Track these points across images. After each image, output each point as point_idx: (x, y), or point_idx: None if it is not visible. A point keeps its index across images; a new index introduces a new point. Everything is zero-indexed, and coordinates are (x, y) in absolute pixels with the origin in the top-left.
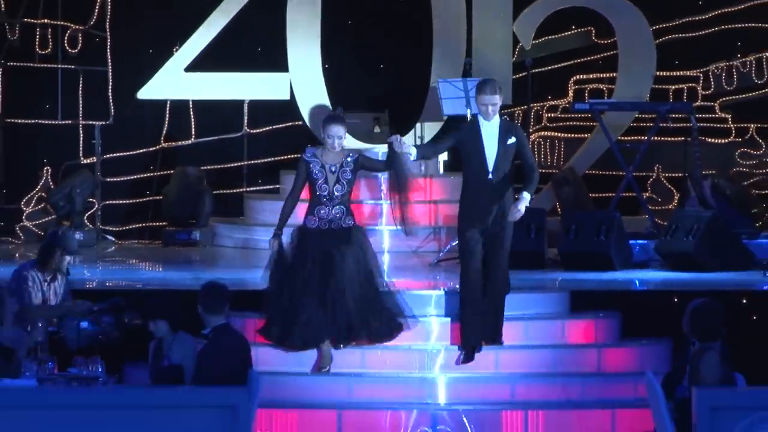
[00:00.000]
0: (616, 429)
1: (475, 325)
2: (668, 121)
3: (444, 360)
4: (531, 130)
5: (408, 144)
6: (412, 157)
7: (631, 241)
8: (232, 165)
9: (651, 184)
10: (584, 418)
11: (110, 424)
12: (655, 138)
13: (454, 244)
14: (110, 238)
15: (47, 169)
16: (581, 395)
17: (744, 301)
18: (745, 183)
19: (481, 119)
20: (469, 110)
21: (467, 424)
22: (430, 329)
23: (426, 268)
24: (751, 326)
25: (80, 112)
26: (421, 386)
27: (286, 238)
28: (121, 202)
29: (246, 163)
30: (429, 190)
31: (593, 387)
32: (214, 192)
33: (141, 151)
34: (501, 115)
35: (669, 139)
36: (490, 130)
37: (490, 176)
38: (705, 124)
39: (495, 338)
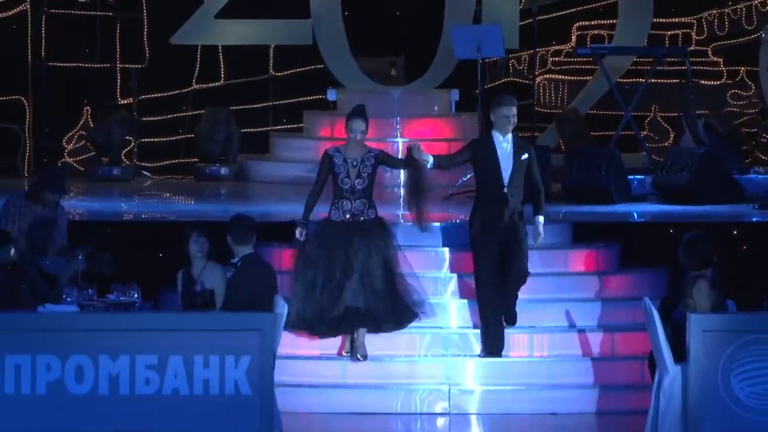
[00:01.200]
0: (615, 351)
1: (498, 335)
2: (664, 64)
3: (455, 287)
4: (537, 72)
5: (426, 153)
6: (429, 165)
7: (629, 176)
8: (259, 105)
9: (648, 123)
10: (586, 341)
11: (146, 347)
12: (652, 80)
13: (465, 179)
14: (146, 173)
15: (87, 110)
16: (583, 319)
17: (735, 232)
18: (736, 122)
19: (496, 136)
20: (479, 55)
21: (475, 342)
22: (443, 258)
23: (439, 202)
24: (741, 256)
25: (117, 57)
26: (430, 309)
27: (311, 227)
28: (155, 140)
29: (271, 103)
30: (441, 130)
31: (594, 312)
32: (242, 130)
33: (174, 92)
34: (514, 133)
35: (665, 81)
36: (505, 146)
37: (505, 190)
38: (698, 67)
39: (508, 320)
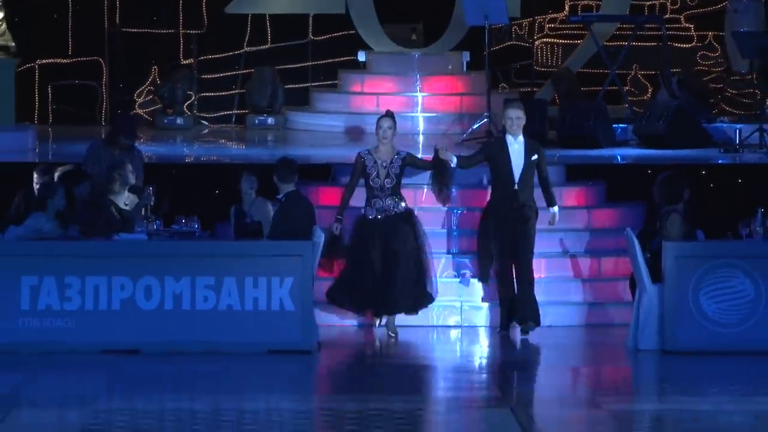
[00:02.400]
0: (602, 273)
1: (512, 310)
2: (644, 29)
3: (464, 220)
4: (535, 37)
5: (450, 154)
6: (452, 164)
7: (614, 125)
8: (300, 65)
9: (630, 80)
10: (577, 265)
11: (204, 270)
12: (633, 43)
13: (475, 126)
14: (204, 122)
15: (155, 69)
16: (574, 246)
17: (703, 172)
18: (704, 79)
19: (508, 138)
20: (486, 22)
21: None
22: (455, 196)
23: (454, 146)
24: (709, 192)
25: (180, 23)
26: (446, 240)
27: (347, 223)
28: (212, 94)
29: (310, 63)
30: (455, 86)
31: (584, 240)
32: (285, 86)
33: (228, 54)
34: (525, 135)
35: (644, 44)
36: (516, 148)
37: (516, 186)
38: (672, 32)
39: (534, 320)
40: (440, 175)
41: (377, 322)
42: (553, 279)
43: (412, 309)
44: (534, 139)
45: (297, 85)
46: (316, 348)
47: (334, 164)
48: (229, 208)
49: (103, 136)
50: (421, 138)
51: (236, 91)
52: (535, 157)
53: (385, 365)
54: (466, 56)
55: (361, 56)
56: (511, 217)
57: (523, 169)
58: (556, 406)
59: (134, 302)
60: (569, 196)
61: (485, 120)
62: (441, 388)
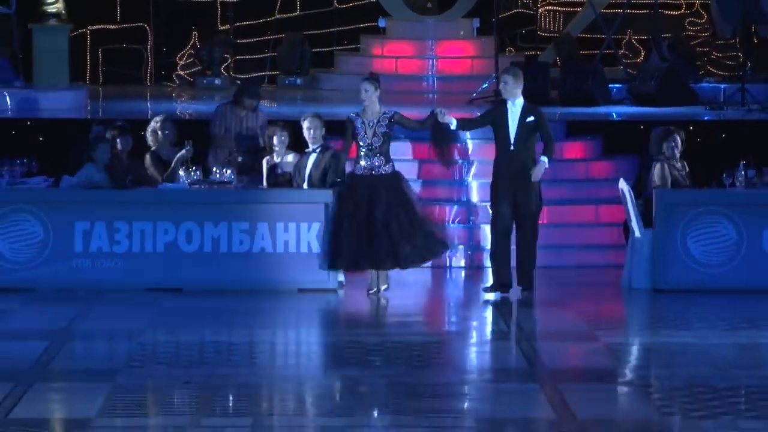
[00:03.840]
0: (599, 219)
1: (501, 270)
2: None
3: (476, 169)
4: (539, 4)
5: (450, 117)
6: (453, 126)
7: (610, 85)
8: (326, 30)
9: (624, 44)
10: (577, 212)
11: (240, 216)
12: (628, 11)
13: (484, 86)
14: (239, 83)
15: (195, 34)
16: (575, 195)
17: (691, 128)
18: (692, 43)
19: (509, 103)
20: None
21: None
22: (467, 149)
23: (464, 105)
24: (695, 146)
25: None
26: (459, 189)
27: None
28: (247, 57)
29: (336, 29)
30: (466, 49)
31: (583, 189)
32: (313, 50)
33: (261, 20)
34: (525, 99)
35: (637, 11)
36: (514, 111)
37: (512, 148)
38: (663, 1)
39: (526, 286)
40: (439, 138)
41: (374, 286)
42: (555, 225)
43: (405, 263)
44: (533, 103)
45: (323, 49)
46: (340, 287)
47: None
48: (261, 160)
49: (231, 97)
50: (435, 97)
51: (268, 54)
52: (530, 119)
53: (400, 303)
54: (476, 23)
55: (382, 23)
56: (509, 179)
57: (518, 130)
58: (557, 339)
59: (177, 245)
60: (570, 149)
61: (493, 81)
62: (452, 323)
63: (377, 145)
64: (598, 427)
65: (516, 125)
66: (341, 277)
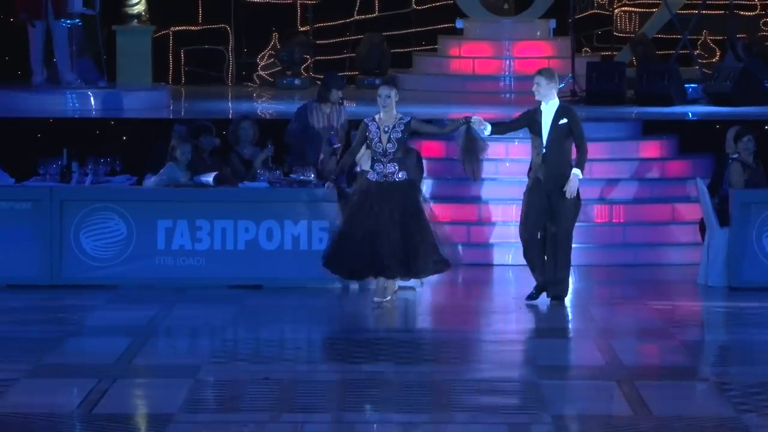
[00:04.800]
0: (675, 218)
1: (536, 269)
2: None
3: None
4: (615, 5)
5: (485, 123)
6: (486, 132)
7: (685, 85)
8: (404, 31)
9: (700, 44)
10: (652, 211)
11: (319, 214)
12: (703, 11)
13: (560, 86)
14: (319, 83)
15: (275, 35)
16: (651, 194)
17: (766, 127)
18: (767, 43)
19: (542, 105)
20: None
21: None
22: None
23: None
24: None
25: None
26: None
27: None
28: (326, 57)
29: (414, 30)
30: (542, 50)
31: (659, 188)
32: (391, 50)
33: (340, 21)
34: (560, 100)
35: (713, 12)
36: (548, 113)
37: (545, 151)
38: (738, 2)
39: (559, 295)
40: (469, 150)
41: (378, 295)
42: (631, 223)
43: (410, 275)
44: (568, 105)
45: (401, 50)
46: (419, 284)
47: (435, 119)
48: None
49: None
50: (512, 96)
51: (347, 54)
52: (563, 120)
53: (468, 301)
54: (552, 23)
55: (459, 23)
56: (543, 182)
57: (550, 133)
58: (633, 336)
59: (257, 243)
60: (646, 148)
61: (569, 80)
62: (527, 320)
63: (392, 151)
64: (674, 424)
65: (549, 127)
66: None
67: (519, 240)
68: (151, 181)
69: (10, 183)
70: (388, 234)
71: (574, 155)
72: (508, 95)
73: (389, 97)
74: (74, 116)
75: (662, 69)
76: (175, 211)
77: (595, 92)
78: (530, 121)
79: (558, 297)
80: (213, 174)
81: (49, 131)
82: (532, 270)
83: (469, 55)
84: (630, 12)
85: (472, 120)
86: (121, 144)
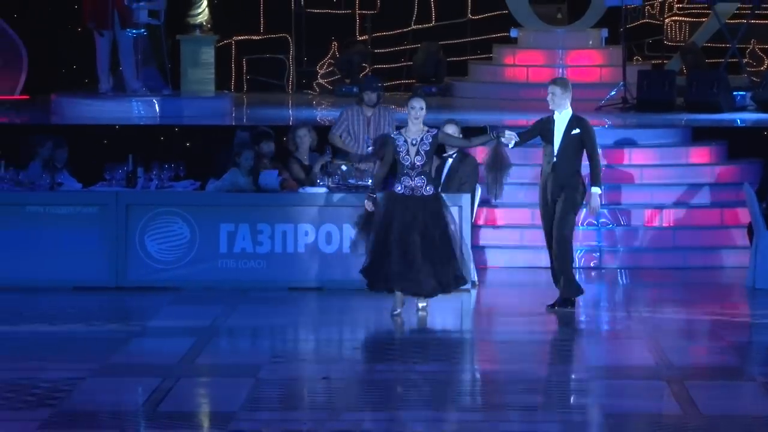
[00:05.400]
0: (724, 222)
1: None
2: (761, 9)
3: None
4: (665, 15)
5: (512, 134)
6: (511, 145)
7: (734, 92)
8: (460, 40)
9: (748, 53)
10: (702, 215)
11: None
12: (752, 21)
13: (612, 94)
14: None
15: (334, 44)
16: (700, 198)
17: None
18: None
19: (555, 114)
20: (622, 2)
21: (620, 217)
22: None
23: (593, 112)
24: None
25: (356, 4)
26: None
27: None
28: (384, 66)
29: (469, 39)
30: (594, 58)
31: (708, 193)
32: (447, 59)
33: (398, 31)
34: (574, 111)
35: (761, 21)
36: (561, 123)
37: (555, 160)
38: None
39: (563, 302)
40: (496, 166)
41: (398, 308)
42: (681, 227)
43: (437, 290)
44: (581, 115)
45: (457, 58)
46: (474, 285)
47: (490, 126)
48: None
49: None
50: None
51: (404, 63)
52: (576, 131)
53: (525, 302)
54: (604, 32)
55: (514, 33)
56: (550, 190)
57: (562, 142)
58: (683, 337)
59: (317, 246)
60: (695, 154)
61: (621, 88)
62: (579, 321)
63: (420, 164)
64: (722, 424)
65: (561, 137)
66: (475, 276)
67: (575, 243)
68: (213, 186)
69: (77, 188)
70: (416, 250)
71: (585, 167)
72: None
73: (422, 109)
74: (139, 123)
75: (711, 77)
76: (237, 215)
77: (645, 100)
78: (543, 129)
79: (560, 302)
80: (276, 171)
81: (115, 138)
82: (554, 280)
83: (523, 63)
84: (680, 21)
85: (506, 135)
86: (184, 150)
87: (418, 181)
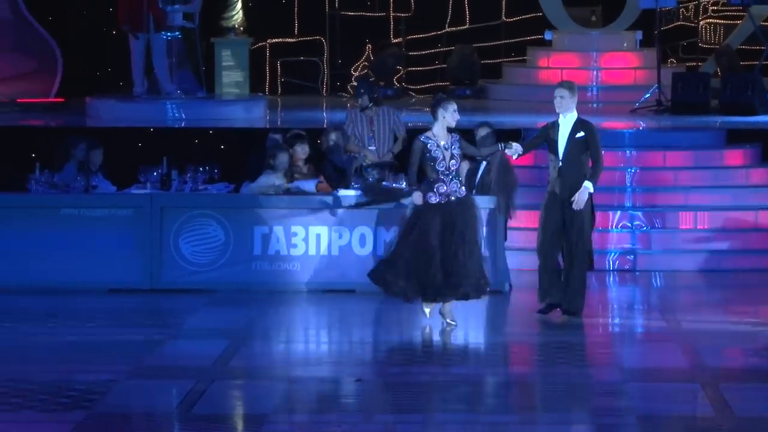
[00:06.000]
0: (758, 224)
1: (549, 287)
2: None
3: (636, 179)
4: (700, 18)
5: (516, 145)
6: (515, 157)
7: None
8: (494, 43)
9: None
10: (735, 216)
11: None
12: None
13: (647, 96)
14: (411, 93)
15: (368, 46)
16: (734, 200)
17: None
18: None
19: (560, 118)
20: (657, 5)
21: (654, 220)
22: (625, 157)
23: (626, 115)
24: None
25: (390, 7)
26: (620, 195)
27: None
28: (418, 68)
29: (503, 42)
30: (629, 61)
31: (742, 195)
32: (482, 61)
33: (432, 33)
34: (579, 115)
35: None
36: (565, 126)
37: (561, 164)
38: None
39: (571, 310)
40: (502, 185)
41: (428, 312)
42: (716, 230)
43: (474, 295)
44: (585, 118)
45: (491, 61)
46: (508, 289)
47: (524, 129)
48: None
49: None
50: (598, 106)
51: (439, 65)
52: (580, 134)
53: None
54: (639, 35)
55: (548, 35)
56: (559, 195)
57: (567, 146)
58: (718, 339)
59: (350, 248)
60: (730, 156)
61: (655, 90)
62: (613, 324)
63: (455, 167)
64: (757, 426)
65: (566, 140)
66: (510, 278)
67: (610, 246)
68: (248, 188)
69: (112, 191)
70: (462, 254)
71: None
72: (595, 105)
73: (456, 111)
74: (174, 126)
75: (746, 79)
76: (271, 218)
77: (680, 102)
78: (548, 134)
79: (570, 312)
80: (314, 181)
81: (149, 140)
82: (540, 286)
83: (557, 65)
84: (715, 24)
85: (513, 147)
86: (219, 152)
87: (453, 186)
